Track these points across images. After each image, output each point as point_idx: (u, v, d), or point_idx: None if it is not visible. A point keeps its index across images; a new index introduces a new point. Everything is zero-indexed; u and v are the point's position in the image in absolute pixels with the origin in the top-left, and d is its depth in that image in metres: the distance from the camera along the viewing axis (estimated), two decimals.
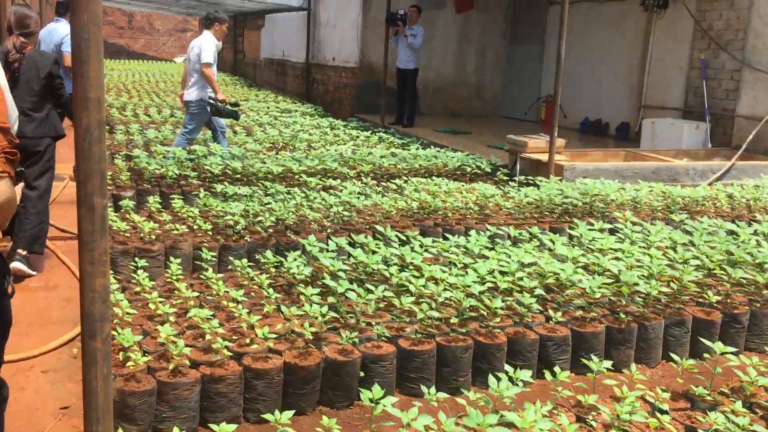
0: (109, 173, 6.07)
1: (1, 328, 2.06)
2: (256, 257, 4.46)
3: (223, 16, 7.51)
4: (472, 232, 4.58)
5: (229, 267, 4.26)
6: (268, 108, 12.99)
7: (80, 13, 1.55)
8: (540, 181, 6.56)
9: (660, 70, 10.21)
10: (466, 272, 3.82)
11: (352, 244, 4.35)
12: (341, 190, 5.75)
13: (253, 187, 5.79)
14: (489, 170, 7.36)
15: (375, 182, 6.36)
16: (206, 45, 7.24)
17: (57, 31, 7.11)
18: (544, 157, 7.12)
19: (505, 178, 7.01)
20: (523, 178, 6.84)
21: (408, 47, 10.98)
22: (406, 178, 6.56)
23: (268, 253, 4.16)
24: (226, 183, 5.92)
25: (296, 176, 6.54)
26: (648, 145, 9.35)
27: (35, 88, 4.81)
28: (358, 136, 9.58)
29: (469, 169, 7.26)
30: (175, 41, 32.38)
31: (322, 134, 9.64)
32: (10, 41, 4.71)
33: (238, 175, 6.46)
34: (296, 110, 13.08)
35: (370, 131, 10.20)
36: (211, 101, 7.27)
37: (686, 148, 8.79)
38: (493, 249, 4.27)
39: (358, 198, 5.48)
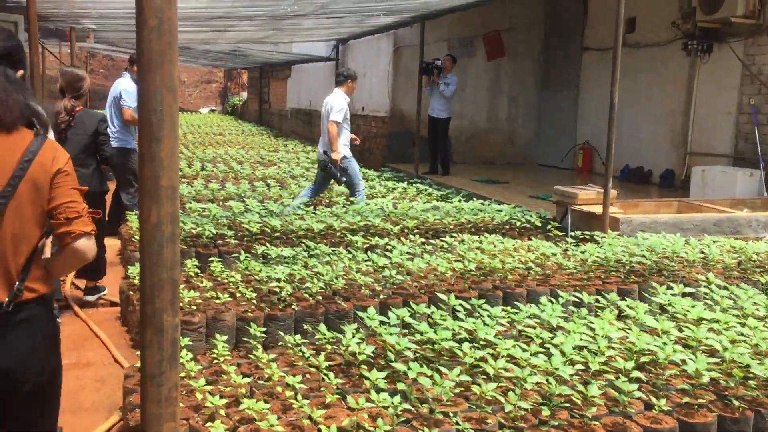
0: None
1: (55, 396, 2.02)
2: (304, 327, 4.08)
3: (354, 74, 7.65)
4: (543, 299, 4.16)
5: (280, 343, 3.87)
6: (299, 159, 12.76)
7: (150, 76, 1.19)
8: (597, 236, 6.14)
9: (706, 116, 9.80)
10: (546, 349, 3.39)
11: (411, 315, 3.95)
12: (390, 250, 5.37)
13: (296, 248, 5.43)
14: (539, 224, 6.95)
15: (422, 239, 5.96)
16: (337, 104, 7.35)
17: (118, 85, 7.21)
18: (597, 209, 6.70)
19: (559, 233, 6.58)
20: (579, 232, 6.41)
21: (440, 95, 10.79)
22: (454, 235, 6.16)
23: (322, 327, 3.77)
24: (266, 243, 5.57)
25: (338, 233, 6.18)
26: (699, 193, 8.88)
27: (82, 145, 4.95)
28: (395, 188, 9.24)
29: (518, 223, 6.86)
30: (201, 92, 32.75)
31: None
32: (61, 104, 4.90)
33: (277, 233, 6.12)
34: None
35: (405, 182, 9.87)
36: (324, 156, 7.38)
37: (741, 197, 8.32)
38: (571, 320, 3.84)
39: (411, 260, 5.09)
